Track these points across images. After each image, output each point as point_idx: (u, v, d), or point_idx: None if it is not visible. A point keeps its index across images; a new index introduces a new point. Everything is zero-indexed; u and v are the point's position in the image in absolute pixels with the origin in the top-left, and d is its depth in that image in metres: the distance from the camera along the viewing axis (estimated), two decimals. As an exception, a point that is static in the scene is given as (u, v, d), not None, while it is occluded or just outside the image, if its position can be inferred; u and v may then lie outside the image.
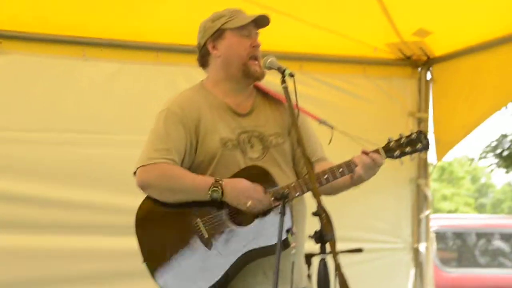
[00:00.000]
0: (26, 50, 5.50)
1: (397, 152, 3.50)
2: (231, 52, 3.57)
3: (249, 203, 3.31)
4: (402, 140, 3.52)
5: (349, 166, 3.45)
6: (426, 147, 3.54)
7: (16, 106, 5.48)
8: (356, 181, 3.50)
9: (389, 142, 3.52)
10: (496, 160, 22.66)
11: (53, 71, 5.56)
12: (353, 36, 5.90)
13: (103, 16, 5.42)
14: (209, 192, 3.34)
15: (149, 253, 3.43)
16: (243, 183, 3.35)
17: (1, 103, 5.47)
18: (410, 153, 3.52)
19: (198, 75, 3.77)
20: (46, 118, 5.54)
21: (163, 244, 3.42)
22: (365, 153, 3.46)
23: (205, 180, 3.38)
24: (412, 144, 3.52)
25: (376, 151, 3.49)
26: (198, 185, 3.38)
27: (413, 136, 3.53)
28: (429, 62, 6.50)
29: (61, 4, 5.23)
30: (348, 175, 3.47)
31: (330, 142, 3.60)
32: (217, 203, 3.37)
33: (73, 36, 5.60)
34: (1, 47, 5.42)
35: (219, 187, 3.33)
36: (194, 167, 3.51)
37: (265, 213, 3.35)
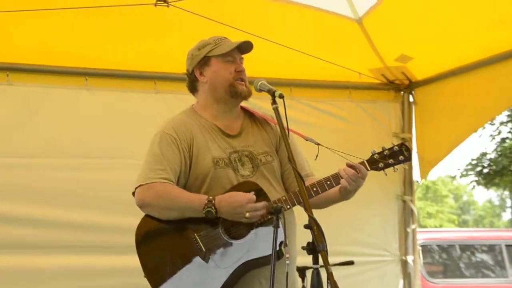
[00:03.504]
0: (31, 82, 5.50)
1: (381, 164, 3.50)
2: (217, 78, 3.58)
3: (247, 214, 3.28)
4: (385, 152, 3.52)
5: (336, 178, 3.44)
6: (408, 159, 3.53)
7: (23, 134, 5.46)
8: (344, 194, 3.50)
9: (373, 155, 3.52)
10: (477, 178, 22.75)
11: (57, 100, 5.55)
12: (339, 63, 5.89)
13: (104, 48, 5.43)
14: (203, 212, 3.32)
15: (149, 268, 3.41)
16: (235, 197, 3.33)
17: (9, 132, 5.45)
18: (393, 164, 3.52)
19: (193, 101, 3.77)
20: (51, 145, 5.51)
21: (162, 259, 3.40)
22: (349, 165, 3.44)
23: (199, 200, 3.36)
24: (395, 156, 3.51)
25: (362, 163, 3.48)
26: (193, 204, 3.37)
27: (395, 148, 3.53)
28: (411, 86, 6.49)
29: (64, 37, 5.23)
30: (337, 189, 3.47)
31: (316, 158, 3.58)
32: (213, 219, 3.35)
33: (76, 67, 5.61)
34: (8, 80, 5.41)
35: (213, 207, 3.31)
36: (189, 185, 3.51)
37: (260, 224, 3.34)
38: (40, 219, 5.39)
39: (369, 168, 3.48)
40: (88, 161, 5.56)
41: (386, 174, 3.54)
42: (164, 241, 3.43)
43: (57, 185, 5.47)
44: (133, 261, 3.44)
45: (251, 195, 3.32)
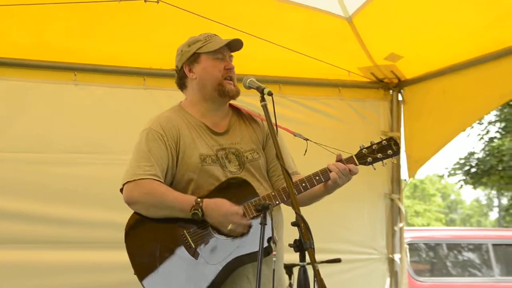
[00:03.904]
0: (20, 76, 5.48)
1: (369, 159, 3.50)
2: (206, 74, 3.57)
3: (229, 226, 3.30)
4: (374, 147, 3.51)
5: (324, 173, 3.43)
6: (396, 153, 3.52)
7: (12, 129, 5.44)
8: (330, 188, 3.48)
9: (361, 149, 3.51)
10: (464, 177, 22.82)
11: (45, 95, 5.54)
12: (328, 61, 5.90)
13: (93, 43, 5.42)
14: (190, 214, 3.32)
15: (139, 265, 3.39)
16: (224, 207, 3.33)
17: (-2, 127, 5.44)
18: (382, 159, 3.52)
19: (183, 98, 3.76)
20: (40, 140, 5.50)
21: (152, 256, 3.39)
22: (340, 161, 3.44)
23: (187, 200, 3.36)
24: (383, 151, 3.51)
25: (350, 158, 3.48)
26: (180, 204, 3.36)
27: (384, 143, 3.53)
28: (400, 85, 6.51)
29: (53, 32, 5.22)
30: (322, 184, 3.46)
31: (305, 153, 3.57)
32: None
33: (65, 62, 5.59)
34: (-4, 74, 5.40)
35: (199, 210, 3.31)
36: (176, 182, 3.50)
37: (249, 220, 3.33)
38: (29, 214, 5.38)
39: (357, 163, 3.47)
40: (77, 156, 5.55)
41: (374, 169, 3.53)
42: (152, 237, 3.42)
43: (46, 180, 5.46)
44: (125, 256, 3.43)
45: (239, 209, 3.32)
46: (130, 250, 3.43)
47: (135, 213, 3.48)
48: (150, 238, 3.43)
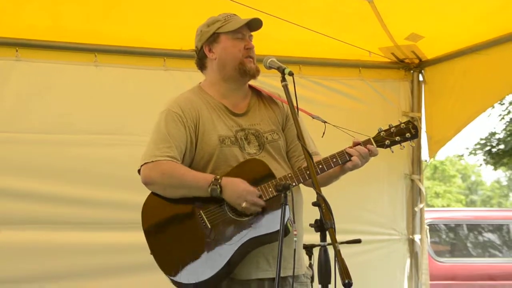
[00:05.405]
0: (40, 58, 5.50)
1: (387, 142, 3.51)
2: (226, 54, 3.56)
3: (244, 204, 3.30)
4: (392, 130, 3.52)
5: (342, 156, 3.44)
6: (414, 136, 3.54)
7: (32, 110, 5.47)
8: (347, 169, 3.49)
9: (379, 132, 3.52)
10: (485, 157, 22.68)
11: (66, 77, 5.56)
12: (349, 41, 5.87)
13: (113, 25, 5.41)
14: (209, 189, 3.33)
15: (156, 246, 3.40)
16: (241, 185, 3.34)
17: (18, 108, 5.46)
18: (400, 142, 3.53)
19: (202, 79, 3.76)
20: (60, 121, 5.52)
21: (169, 237, 3.40)
22: (356, 143, 3.45)
23: (205, 178, 3.37)
24: (401, 134, 3.52)
25: (368, 141, 3.49)
26: (198, 182, 3.37)
27: (402, 126, 3.53)
28: (421, 65, 6.48)
29: (74, 14, 5.22)
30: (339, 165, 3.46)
31: (323, 136, 3.57)
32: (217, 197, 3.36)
33: (85, 44, 5.59)
34: (17, 55, 5.41)
35: (218, 186, 3.32)
36: (195, 164, 3.50)
37: (266, 200, 3.34)
38: (48, 195, 5.42)
39: (375, 145, 3.47)
40: (97, 137, 5.57)
41: (392, 152, 3.55)
42: (169, 218, 3.44)
43: (66, 161, 5.49)
44: (143, 237, 3.45)
45: (256, 190, 3.33)
46: (147, 232, 3.44)
47: (152, 193, 3.49)
48: (167, 219, 3.45)
